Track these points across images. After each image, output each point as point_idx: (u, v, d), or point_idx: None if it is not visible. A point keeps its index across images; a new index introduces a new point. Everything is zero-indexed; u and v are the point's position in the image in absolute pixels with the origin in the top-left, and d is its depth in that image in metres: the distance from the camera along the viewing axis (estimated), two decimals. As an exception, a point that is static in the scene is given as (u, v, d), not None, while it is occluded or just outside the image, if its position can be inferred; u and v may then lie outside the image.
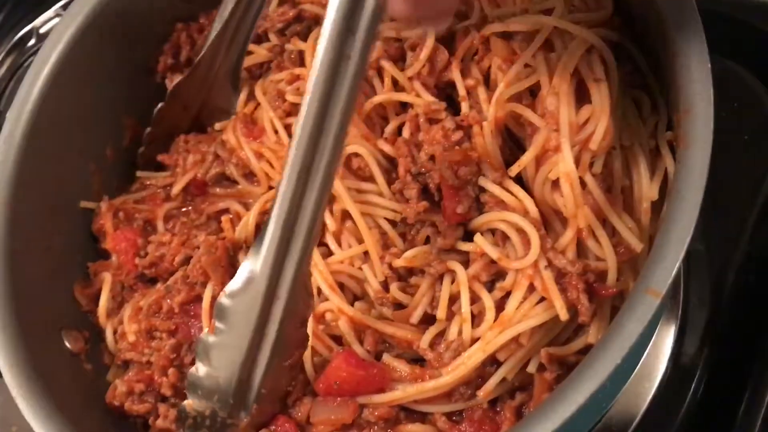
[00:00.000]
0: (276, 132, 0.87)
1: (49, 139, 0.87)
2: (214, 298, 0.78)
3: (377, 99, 0.82)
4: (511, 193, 0.73)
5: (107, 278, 0.86)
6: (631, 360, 0.61)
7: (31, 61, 1.35)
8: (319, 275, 0.76)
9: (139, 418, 0.80)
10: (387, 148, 0.80)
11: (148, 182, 0.96)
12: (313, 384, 0.73)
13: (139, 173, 0.96)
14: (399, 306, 0.76)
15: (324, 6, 0.88)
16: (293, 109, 0.88)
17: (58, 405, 0.71)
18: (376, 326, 0.73)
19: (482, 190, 0.75)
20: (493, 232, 0.74)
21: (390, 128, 0.82)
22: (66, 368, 0.80)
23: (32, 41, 1.39)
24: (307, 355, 0.73)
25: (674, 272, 0.57)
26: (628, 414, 0.87)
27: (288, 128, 0.86)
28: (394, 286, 0.76)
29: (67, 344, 0.82)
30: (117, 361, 0.84)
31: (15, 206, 0.82)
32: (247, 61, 0.93)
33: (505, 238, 0.72)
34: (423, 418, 0.71)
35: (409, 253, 0.76)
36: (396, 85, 0.83)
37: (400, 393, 0.70)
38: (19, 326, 0.76)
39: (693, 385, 0.88)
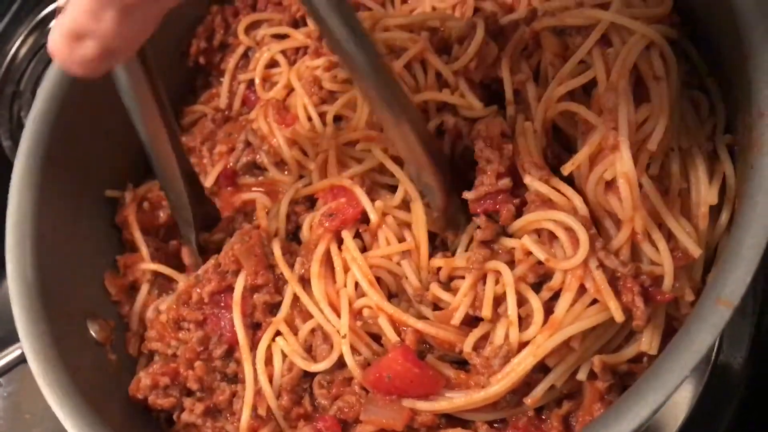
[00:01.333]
0: (310, 119, 0.84)
1: (77, 120, 0.84)
2: (246, 289, 0.75)
3: (419, 98, 0.79)
4: (559, 191, 0.70)
5: (146, 272, 0.84)
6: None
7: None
8: (359, 270, 0.73)
9: (162, 412, 0.77)
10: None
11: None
12: (360, 374, 0.70)
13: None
14: (436, 307, 0.74)
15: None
16: (329, 97, 0.85)
17: (83, 394, 0.69)
18: (417, 326, 0.70)
19: (525, 190, 0.73)
20: (538, 232, 0.71)
21: (431, 126, 0.79)
22: (90, 358, 0.77)
23: (54, 21, 1.36)
24: (348, 351, 0.71)
25: (748, 282, 0.54)
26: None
27: (322, 116, 0.84)
28: (434, 285, 0.74)
29: (93, 333, 0.79)
30: (144, 350, 0.81)
31: (43, 188, 0.79)
32: (283, 45, 0.90)
33: (552, 238, 0.70)
34: (464, 423, 0.68)
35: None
36: (439, 78, 0.80)
37: (447, 404, 0.67)
38: (44, 313, 0.73)
39: (734, 400, 0.85)
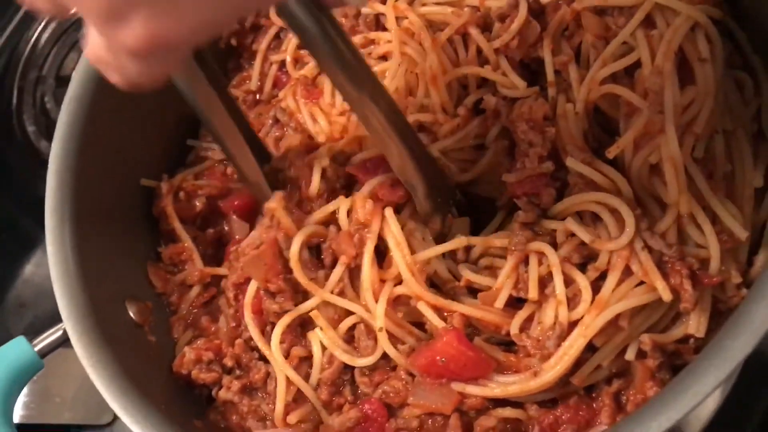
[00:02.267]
0: (333, 95, 0.84)
1: (113, 104, 0.84)
2: (258, 292, 0.75)
3: (460, 71, 0.79)
4: (603, 174, 0.70)
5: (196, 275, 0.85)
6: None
7: (74, 26, 1.33)
8: (402, 257, 0.72)
9: (204, 388, 0.78)
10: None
11: (202, 153, 0.93)
12: (406, 362, 0.70)
13: (189, 142, 0.94)
14: (472, 291, 0.74)
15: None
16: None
17: (127, 375, 0.69)
18: (463, 311, 0.70)
19: (564, 173, 0.73)
20: (580, 215, 0.71)
21: (470, 101, 0.79)
22: (131, 339, 0.77)
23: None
24: (387, 343, 0.71)
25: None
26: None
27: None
28: (466, 271, 0.73)
29: (132, 315, 0.79)
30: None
31: (80, 172, 0.79)
32: None
33: (595, 219, 0.69)
34: (513, 404, 0.68)
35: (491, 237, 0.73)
36: (479, 54, 0.80)
37: (501, 391, 0.67)
38: (85, 295, 0.73)
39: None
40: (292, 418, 0.72)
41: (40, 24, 1.37)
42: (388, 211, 0.73)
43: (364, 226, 0.72)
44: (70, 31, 1.35)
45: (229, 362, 0.76)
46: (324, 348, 0.73)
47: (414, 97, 0.81)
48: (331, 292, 0.73)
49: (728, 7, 0.74)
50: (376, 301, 0.71)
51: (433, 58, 0.79)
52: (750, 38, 0.74)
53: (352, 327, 0.74)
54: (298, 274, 0.73)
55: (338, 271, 0.73)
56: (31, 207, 0.92)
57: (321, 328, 0.73)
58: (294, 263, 0.73)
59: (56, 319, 0.73)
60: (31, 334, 0.77)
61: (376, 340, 0.71)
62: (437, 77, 0.78)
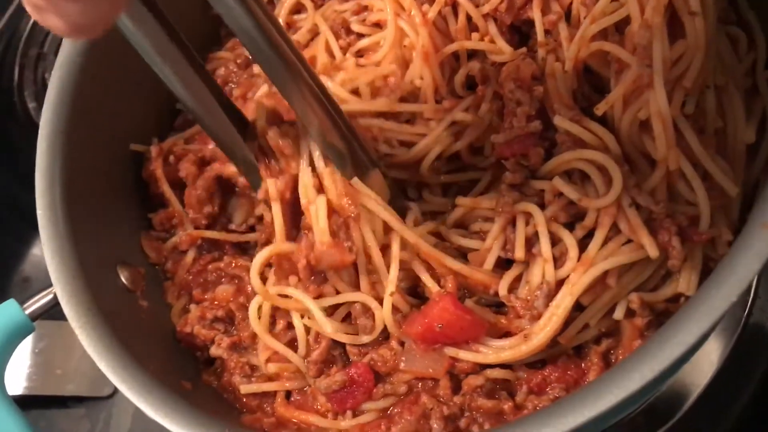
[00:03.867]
0: (333, 55, 0.83)
1: (103, 71, 0.84)
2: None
3: (449, 49, 0.79)
4: (591, 131, 0.69)
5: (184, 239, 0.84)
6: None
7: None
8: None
9: (205, 349, 0.79)
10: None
11: (190, 116, 0.91)
12: (403, 326, 0.70)
13: (178, 105, 0.93)
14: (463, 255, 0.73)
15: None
16: (355, 42, 0.84)
17: (117, 338, 0.69)
18: (455, 267, 0.69)
19: (553, 132, 0.72)
20: (568, 174, 0.70)
21: (460, 75, 0.79)
22: (123, 303, 0.78)
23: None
24: (389, 313, 0.70)
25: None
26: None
27: (344, 50, 0.83)
28: (455, 236, 0.73)
29: (123, 280, 0.79)
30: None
31: (71, 136, 0.79)
32: None
33: (584, 178, 0.69)
34: (503, 365, 0.68)
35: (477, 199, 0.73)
36: (470, 21, 0.79)
37: (494, 357, 0.67)
38: (76, 258, 0.73)
39: (764, 357, 0.84)
40: (272, 368, 0.72)
41: (40, 1, 1.37)
42: (359, 185, 0.72)
43: (344, 215, 0.71)
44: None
45: (222, 315, 0.77)
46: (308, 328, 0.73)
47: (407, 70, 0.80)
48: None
49: (722, -39, 0.73)
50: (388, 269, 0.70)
51: (424, 35, 0.78)
52: (746, -7, 0.73)
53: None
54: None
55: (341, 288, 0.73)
56: (34, 184, 0.96)
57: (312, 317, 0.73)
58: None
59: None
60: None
61: (373, 318, 0.71)
62: (429, 55, 0.78)
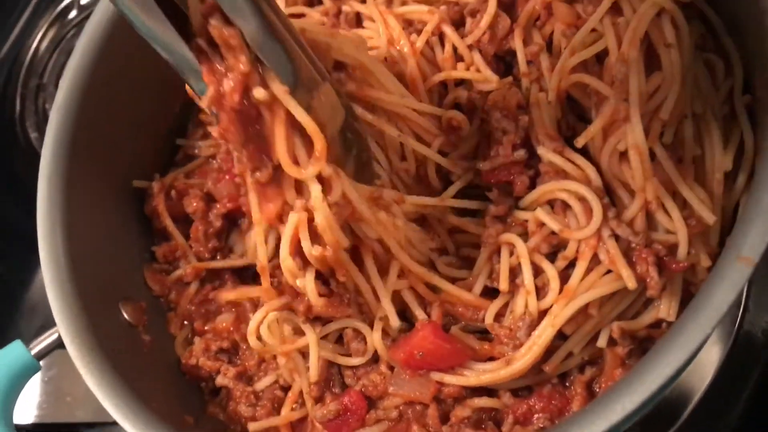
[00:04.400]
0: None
1: (100, 110, 0.86)
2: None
3: (437, 78, 0.81)
4: (573, 163, 0.71)
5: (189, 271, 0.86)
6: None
7: (72, 33, 1.36)
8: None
9: (210, 380, 0.81)
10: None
11: (190, 151, 0.95)
12: (387, 353, 0.72)
13: (179, 141, 0.95)
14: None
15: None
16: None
17: (121, 374, 0.72)
18: (447, 288, 0.72)
19: (538, 161, 0.74)
20: (551, 204, 0.72)
21: (448, 100, 0.81)
22: (125, 339, 0.80)
23: (73, 13, 1.39)
24: (379, 339, 0.73)
25: (768, 238, 0.54)
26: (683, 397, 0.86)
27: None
28: (441, 262, 0.75)
29: (125, 316, 0.82)
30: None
31: (71, 176, 0.82)
32: (300, 23, 0.90)
33: (566, 208, 0.71)
34: (489, 392, 0.70)
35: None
36: (456, 51, 0.81)
37: (475, 380, 0.69)
38: (78, 298, 0.76)
39: (759, 363, 0.86)
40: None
41: (39, 32, 1.40)
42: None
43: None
44: (68, 38, 1.38)
45: (226, 346, 0.80)
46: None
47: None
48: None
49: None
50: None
51: (412, 64, 0.81)
52: (722, 19, 0.74)
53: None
54: None
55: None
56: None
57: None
58: None
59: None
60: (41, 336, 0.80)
61: (365, 341, 0.74)
62: (417, 83, 0.80)
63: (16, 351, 0.75)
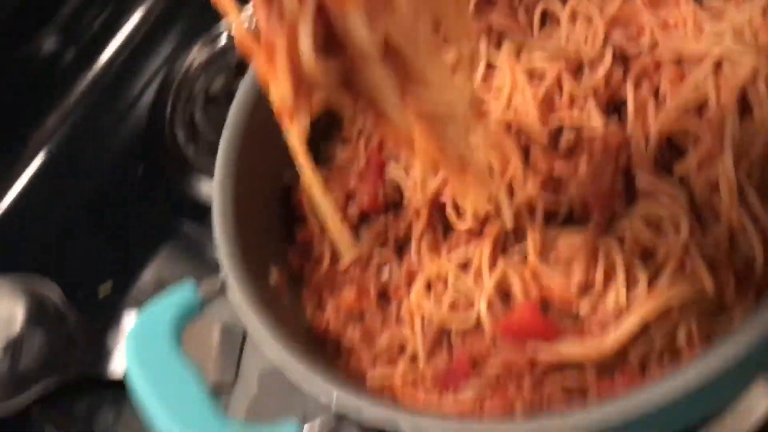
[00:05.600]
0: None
1: (260, 131, 1.00)
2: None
3: (555, 123, 0.93)
4: (666, 190, 0.84)
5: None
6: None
7: (221, 53, 1.58)
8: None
9: (335, 342, 0.95)
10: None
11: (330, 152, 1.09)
12: (491, 328, 0.85)
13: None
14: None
15: None
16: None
17: (277, 323, 0.87)
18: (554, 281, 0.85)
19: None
20: (646, 220, 0.85)
21: (563, 141, 0.93)
22: (273, 299, 0.95)
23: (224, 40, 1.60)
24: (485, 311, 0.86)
25: None
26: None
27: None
28: (543, 266, 0.88)
29: (272, 281, 0.98)
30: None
31: (235, 175, 1.00)
32: None
33: (658, 225, 0.83)
34: (578, 368, 0.81)
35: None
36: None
37: (566, 352, 0.80)
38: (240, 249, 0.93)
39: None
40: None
41: (193, 50, 1.62)
42: None
43: None
44: (216, 58, 1.60)
45: (353, 311, 0.93)
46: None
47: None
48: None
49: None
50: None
51: (533, 111, 0.93)
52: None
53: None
54: None
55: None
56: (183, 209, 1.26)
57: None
58: None
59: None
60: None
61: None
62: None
63: (188, 289, 0.92)
